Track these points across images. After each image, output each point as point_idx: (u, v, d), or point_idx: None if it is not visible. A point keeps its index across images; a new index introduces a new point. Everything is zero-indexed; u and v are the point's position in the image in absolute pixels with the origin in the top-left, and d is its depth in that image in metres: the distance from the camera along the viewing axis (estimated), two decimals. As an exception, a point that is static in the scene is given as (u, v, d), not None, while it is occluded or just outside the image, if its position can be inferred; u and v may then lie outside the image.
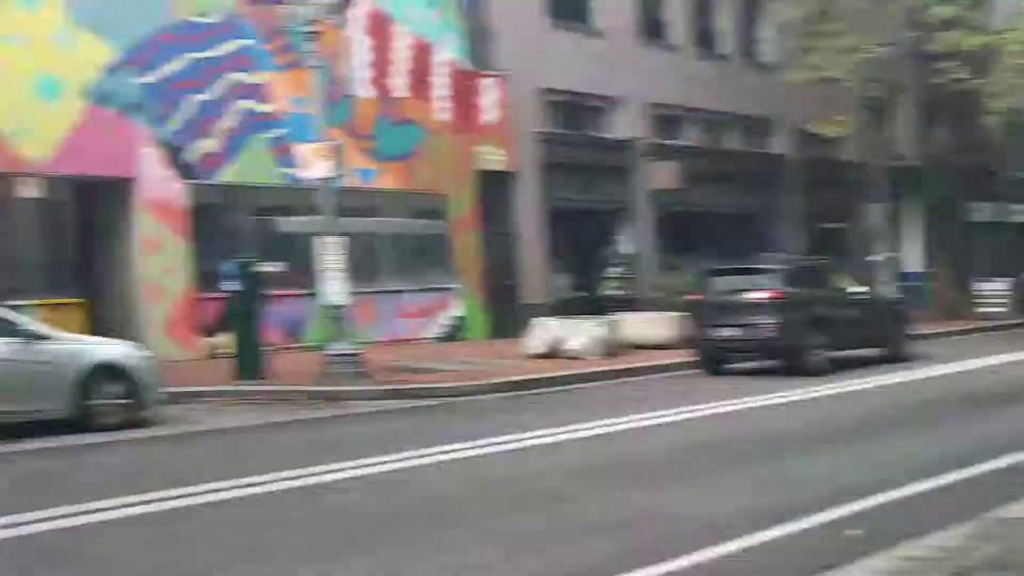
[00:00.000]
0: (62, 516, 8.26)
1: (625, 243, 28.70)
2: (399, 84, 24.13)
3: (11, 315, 13.06)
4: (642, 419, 13.29)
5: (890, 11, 29.17)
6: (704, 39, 31.89)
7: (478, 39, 25.74)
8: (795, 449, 11.21)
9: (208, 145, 20.72)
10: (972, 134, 32.14)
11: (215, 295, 18.34)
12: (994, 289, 32.12)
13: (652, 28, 30.25)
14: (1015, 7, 29.92)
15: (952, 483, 9.05)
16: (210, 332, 19.81)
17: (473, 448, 11.28)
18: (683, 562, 6.69)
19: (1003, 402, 14.32)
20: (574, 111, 28.57)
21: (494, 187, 25.61)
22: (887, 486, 8.72)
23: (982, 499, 7.96)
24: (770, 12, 31.99)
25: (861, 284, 22.63)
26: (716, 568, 6.70)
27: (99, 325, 17.73)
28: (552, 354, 19.75)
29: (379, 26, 23.75)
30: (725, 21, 32.32)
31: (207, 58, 20.72)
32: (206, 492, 9.17)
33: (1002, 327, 28.80)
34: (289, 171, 20.00)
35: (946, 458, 9.92)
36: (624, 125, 28.86)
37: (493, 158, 25.66)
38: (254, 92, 21.35)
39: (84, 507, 8.53)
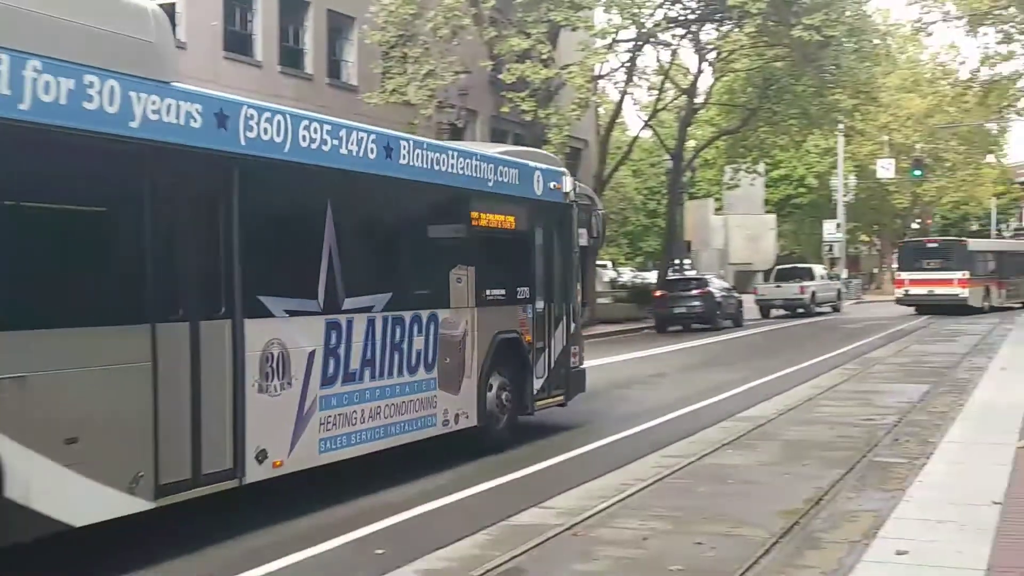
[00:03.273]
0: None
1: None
2: None
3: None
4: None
5: (469, 41, 30.67)
6: (289, 57, 31.71)
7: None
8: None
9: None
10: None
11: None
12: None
13: (236, 44, 29.83)
14: (582, 42, 31.28)
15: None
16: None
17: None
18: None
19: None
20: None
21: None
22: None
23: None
24: (356, 35, 32.45)
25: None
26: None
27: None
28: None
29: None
30: (310, 41, 32.17)
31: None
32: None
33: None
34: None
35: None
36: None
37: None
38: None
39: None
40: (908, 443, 12.30)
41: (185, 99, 8.24)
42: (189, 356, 8.15)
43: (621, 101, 39.63)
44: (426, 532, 8.64)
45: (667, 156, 45.08)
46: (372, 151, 10.40)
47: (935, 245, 47.28)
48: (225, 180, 8.65)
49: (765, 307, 45.64)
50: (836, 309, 48.60)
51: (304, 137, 9.49)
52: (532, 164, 13.51)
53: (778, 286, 46.03)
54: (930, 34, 57.57)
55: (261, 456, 8.84)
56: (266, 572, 7.59)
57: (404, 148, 10.89)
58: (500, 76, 30.54)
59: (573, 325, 14.18)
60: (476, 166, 12.19)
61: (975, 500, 8.60)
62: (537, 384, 13.24)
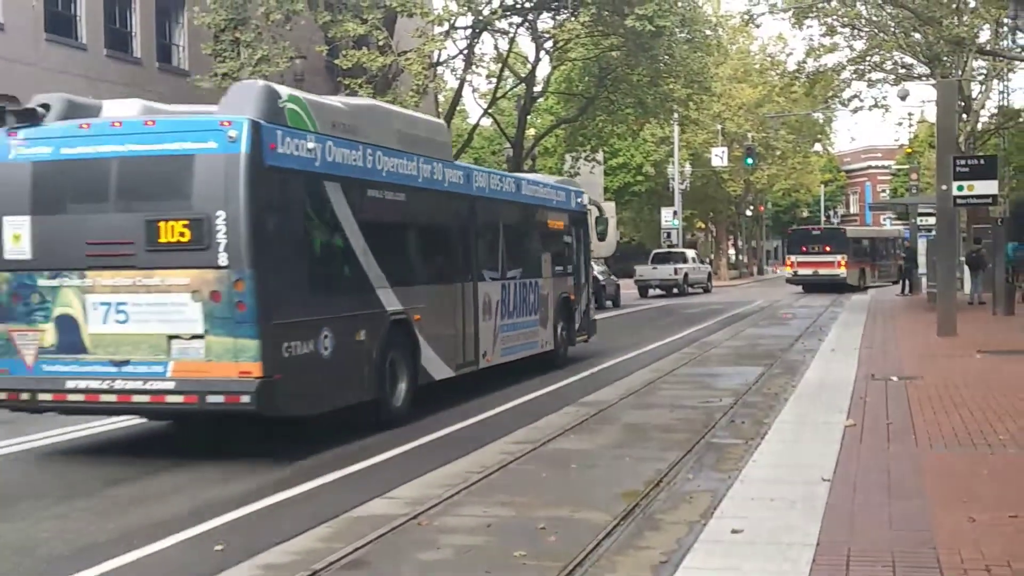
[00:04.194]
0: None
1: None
2: None
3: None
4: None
5: (303, 25, 30.49)
6: (116, 40, 30.57)
7: None
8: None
9: None
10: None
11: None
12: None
13: (59, 25, 28.56)
14: (419, 28, 31.39)
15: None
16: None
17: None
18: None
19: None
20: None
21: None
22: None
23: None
24: (186, 17, 31.89)
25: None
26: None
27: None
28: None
29: None
30: (138, 23, 31.30)
31: None
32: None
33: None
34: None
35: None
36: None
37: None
38: None
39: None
40: (743, 424, 12.65)
41: (458, 169, 15.87)
42: (461, 300, 15.50)
43: (460, 88, 39.63)
44: (268, 526, 8.50)
45: (508, 144, 45.34)
46: (513, 188, 18.05)
47: (819, 232, 54.03)
48: (470, 210, 16.05)
49: (643, 287, 49.59)
50: (707, 290, 53.05)
51: (493, 184, 17.12)
52: (569, 187, 21.25)
53: (655, 268, 50.47)
54: (758, 26, 59.55)
55: (484, 355, 16.23)
56: (98, 573, 7.35)
57: (524, 183, 18.82)
58: (336, 62, 30.19)
59: (590, 290, 22.06)
60: (548, 191, 19.95)
61: (806, 478, 8.86)
62: (576, 326, 20.64)
